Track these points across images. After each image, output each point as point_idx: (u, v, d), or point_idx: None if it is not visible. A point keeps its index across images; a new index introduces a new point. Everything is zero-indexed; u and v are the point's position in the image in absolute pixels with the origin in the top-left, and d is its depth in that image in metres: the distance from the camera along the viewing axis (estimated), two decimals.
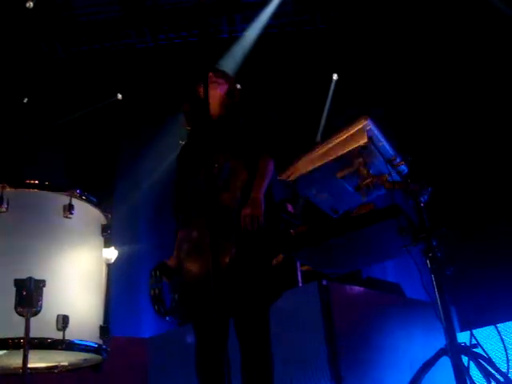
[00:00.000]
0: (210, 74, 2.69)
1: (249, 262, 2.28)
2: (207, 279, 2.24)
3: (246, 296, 2.27)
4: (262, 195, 2.38)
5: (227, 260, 2.26)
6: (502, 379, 1.62)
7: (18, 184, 2.01)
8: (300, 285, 3.72)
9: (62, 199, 2.06)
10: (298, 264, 3.72)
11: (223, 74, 2.79)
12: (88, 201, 2.17)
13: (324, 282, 3.03)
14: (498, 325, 1.83)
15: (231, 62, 6.01)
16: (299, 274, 3.80)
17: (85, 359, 2.11)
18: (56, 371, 2.20)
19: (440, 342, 1.78)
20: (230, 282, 2.20)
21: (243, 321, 2.32)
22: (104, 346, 2.09)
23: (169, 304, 2.38)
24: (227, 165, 2.44)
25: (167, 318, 2.39)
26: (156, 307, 2.35)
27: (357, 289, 3.35)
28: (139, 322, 5.51)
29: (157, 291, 2.36)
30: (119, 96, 6.37)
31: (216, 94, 2.67)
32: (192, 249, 2.39)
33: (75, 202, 2.08)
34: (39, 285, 1.85)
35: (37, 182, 2.05)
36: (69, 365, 2.18)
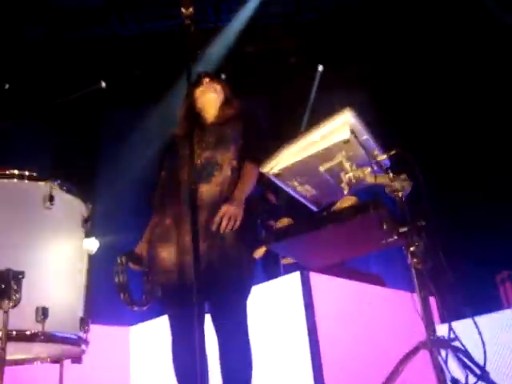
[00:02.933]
0: (206, 78, 2.66)
1: (221, 256, 2.26)
2: (178, 268, 2.24)
3: (222, 288, 2.24)
4: (245, 196, 2.36)
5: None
6: (478, 372, 1.64)
7: None
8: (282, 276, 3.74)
9: (42, 190, 2.04)
10: (280, 257, 3.73)
11: (219, 81, 2.73)
12: (68, 191, 2.16)
13: (306, 273, 3.05)
14: (476, 317, 1.85)
15: (217, 51, 5.98)
16: (281, 266, 3.81)
17: (65, 351, 2.11)
18: (36, 363, 2.19)
19: (421, 333, 1.80)
20: (204, 272, 2.18)
21: (219, 311, 2.30)
22: (84, 338, 2.09)
23: (137, 294, 2.36)
24: (214, 161, 2.41)
25: (135, 308, 2.37)
26: (122, 295, 2.33)
27: (338, 279, 3.37)
28: (122, 312, 5.49)
29: (121, 279, 2.34)
30: (103, 84, 6.30)
31: (212, 99, 2.64)
32: (164, 236, 2.38)
33: (55, 192, 2.06)
34: (18, 276, 1.83)
35: (16, 172, 2.02)
36: (48, 356, 2.17)
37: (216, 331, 2.29)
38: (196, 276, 1.43)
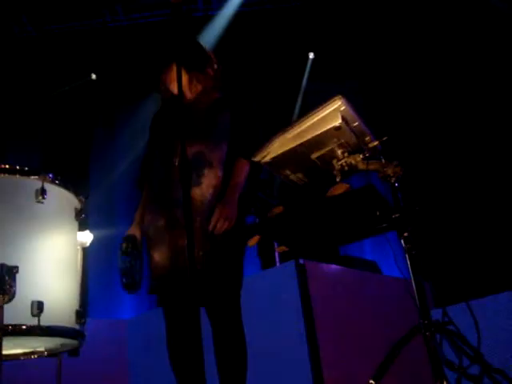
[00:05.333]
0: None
1: (219, 255, 2.23)
2: (171, 271, 2.22)
3: (217, 281, 2.23)
4: (237, 196, 2.30)
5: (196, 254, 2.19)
6: (472, 354, 1.66)
7: None
8: (277, 264, 3.76)
9: (34, 184, 2.03)
10: (275, 244, 3.74)
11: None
12: (61, 185, 2.14)
13: (301, 261, 3.05)
14: (470, 301, 1.87)
15: (206, 41, 5.95)
16: (276, 254, 3.82)
17: (61, 344, 2.11)
18: (33, 357, 2.20)
19: (416, 317, 1.82)
20: (202, 273, 2.17)
21: (215, 304, 2.29)
22: (80, 331, 2.09)
23: (137, 277, 2.34)
24: (203, 158, 2.31)
25: (133, 293, 2.35)
26: (125, 280, 2.30)
27: (333, 267, 3.39)
28: (119, 304, 5.51)
29: (127, 264, 2.31)
30: (93, 76, 6.28)
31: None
32: (157, 238, 2.32)
33: (48, 186, 2.05)
34: (12, 271, 1.82)
35: (7, 166, 2.01)
36: (45, 350, 2.17)
37: (211, 322, 2.30)
38: (192, 279, 1.42)
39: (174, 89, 2.47)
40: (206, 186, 2.28)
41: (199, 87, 2.50)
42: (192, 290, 1.40)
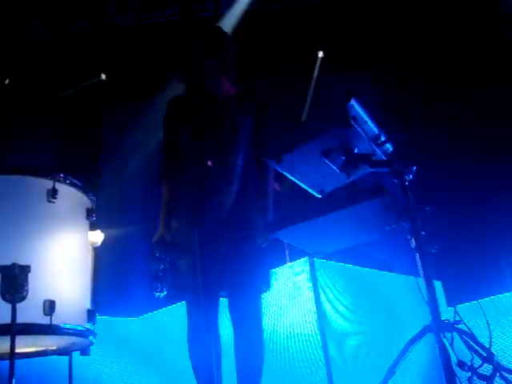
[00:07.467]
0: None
1: (245, 250, 2.28)
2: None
3: (243, 278, 2.27)
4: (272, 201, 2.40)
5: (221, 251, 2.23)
6: (484, 354, 1.65)
7: (0, 169, 1.99)
8: (288, 263, 3.75)
9: (46, 183, 2.04)
10: (286, 243, 3.74)
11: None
12: (72, 184, 2.16)
13: (312, 260, 3.06)
14: (481, 300, 1.86)
15: None
16: (287, 252, 3.82)
17: (73, 343, 2.12)
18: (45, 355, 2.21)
19: (428, 317, 1.81)
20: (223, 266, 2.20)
21: (240, 301, 2.33)
22: (92, 330, 2.10)
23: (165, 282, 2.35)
24: (229, 163, 2.34)
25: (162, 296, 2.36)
26: (155, 286, 2.29)
27: (344, 266, 3.38)
28: (129, 303, 5.52)
29: (158, 269, 2.30)
30: (103, 76, 6.30)
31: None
32: (185, 245, 2.29)
33: (59, 186, 2.07)
34: (24, 270, 1.84)
35: (19, 166, 2.02)
36: (57, 349, 2.19)
37: (233, 316, 2.34)
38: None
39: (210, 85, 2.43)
40: (234, 193, 2.33)
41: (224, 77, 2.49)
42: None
